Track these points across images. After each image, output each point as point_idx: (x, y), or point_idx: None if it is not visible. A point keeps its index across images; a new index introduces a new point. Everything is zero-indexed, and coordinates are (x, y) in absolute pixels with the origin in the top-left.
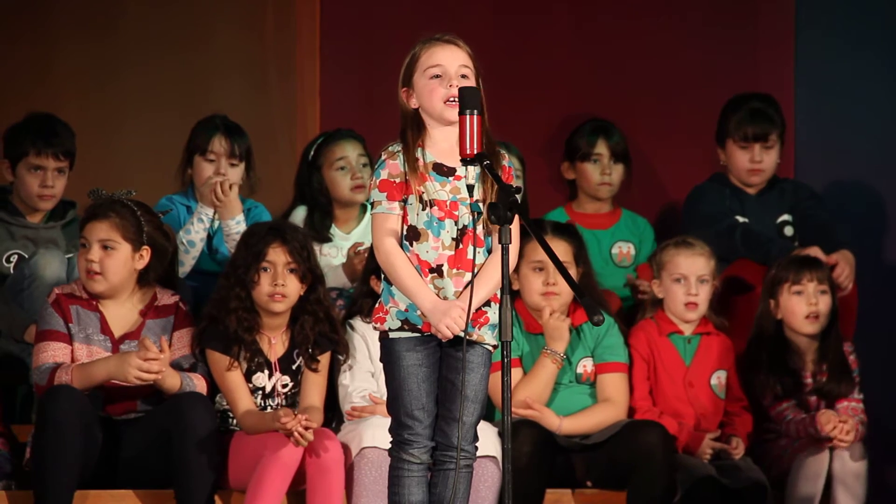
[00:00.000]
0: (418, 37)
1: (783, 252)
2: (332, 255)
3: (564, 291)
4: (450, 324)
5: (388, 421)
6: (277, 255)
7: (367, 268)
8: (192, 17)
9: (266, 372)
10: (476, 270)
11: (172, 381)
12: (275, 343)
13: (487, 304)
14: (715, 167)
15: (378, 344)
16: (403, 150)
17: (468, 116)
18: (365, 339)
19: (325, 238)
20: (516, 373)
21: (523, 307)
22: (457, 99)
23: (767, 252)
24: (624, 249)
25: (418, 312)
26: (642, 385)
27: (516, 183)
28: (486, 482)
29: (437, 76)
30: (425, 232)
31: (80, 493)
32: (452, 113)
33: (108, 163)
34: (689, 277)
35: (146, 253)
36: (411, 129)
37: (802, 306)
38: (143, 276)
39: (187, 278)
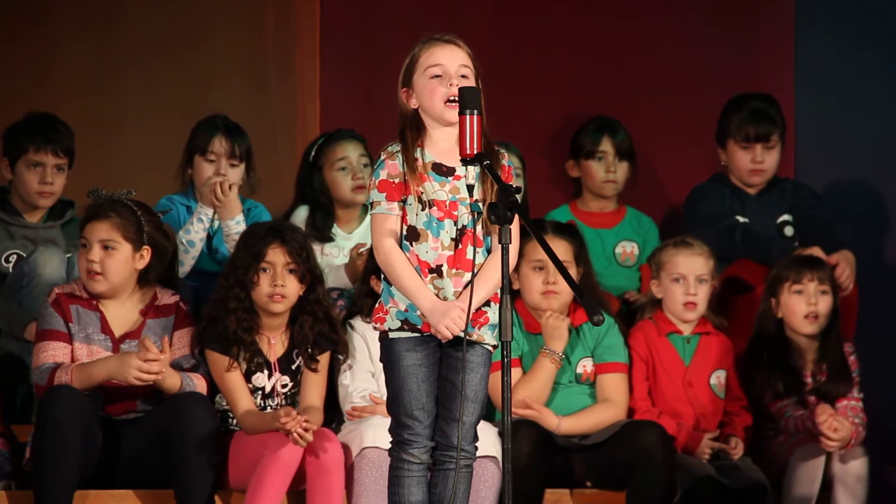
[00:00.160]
0: (418, 37)
1: (784, 252)
2: (334, 255)
3: (564, 291)
4: (449, 324)
5: (388, 421)
6: (277, 256)
7: (368, 268)
8: (192, 17)
9: (265, 372)
10: (476, 270)
11: (173, 381)
12: (274, 343)
13: (487, 303)
14: (715, 167)
15: (378, 344)
16: (402, 151)
17: (468, 116)
18: (365, 338)
19: (327, 238)
20: (516, 373)
21: (523, 307)
22: (457, 99)
23: (768, 252)
24: (628, 249)
25: (418, 312)
26: (641, 385)
27: (516, 182)
28: (486, 482)
29: (438, 76)
30: (424, 232)
31: (80, 493)
32: (452, 114)
33: (108, 163)
34: (688, 277)
35: (146, 253)
36: (410, 130)
37: (802, 306)
38: (143, 275)
39: (187, 278)
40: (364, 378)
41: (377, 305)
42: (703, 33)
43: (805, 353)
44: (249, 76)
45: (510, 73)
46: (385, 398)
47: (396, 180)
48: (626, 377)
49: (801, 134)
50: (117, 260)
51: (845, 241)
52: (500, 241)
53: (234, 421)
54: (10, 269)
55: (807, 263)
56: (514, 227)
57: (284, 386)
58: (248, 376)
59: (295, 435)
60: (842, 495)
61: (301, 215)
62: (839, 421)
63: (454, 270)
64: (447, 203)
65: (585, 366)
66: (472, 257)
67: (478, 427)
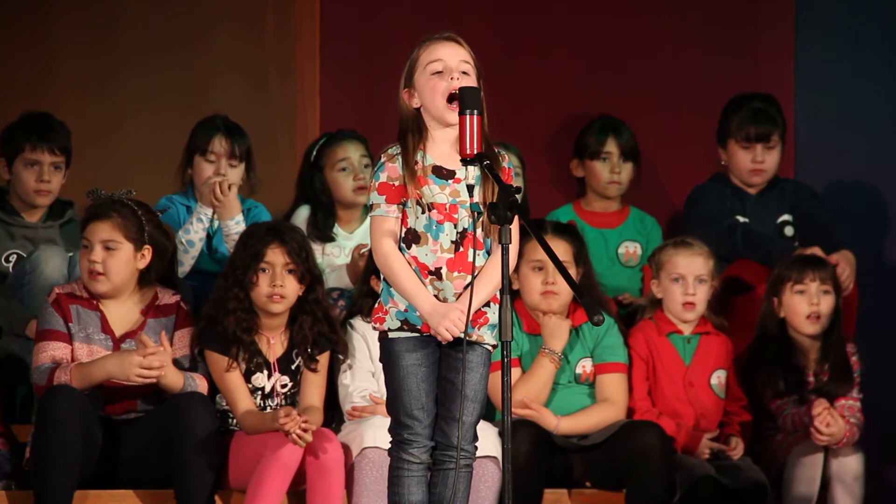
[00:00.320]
0: (418, 37)
1: (784, 252)
2: (335, 255)
3: (564, 291)
4: (449, 326)
5: (388, 421)
6: (276, 256)
7: (368, 268)
8: (192, 17)
9: (265, 372)
10: (476, 273)
11: (175, 379)
12: (273, 343)
13: (487, 304)
14: (715, 167)
15: (378, 343)
16: (402, 154)
17: (468, 116)
18: (365, 338)
19: (329, 238)
20: (515, 373)
21: (522, 307)
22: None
23: (768, 252)
24: (631, 249)
25: (418, 313)
26: (641, 385)
27: (515, 182)
28: (486, 482)
29: (439, 72)
30: (425, 235)
31: (80, 493)
32: (453, 115)
33: (107, 163)
34: (687, 277)
35: (148, 252)
36: (412, 132)
37: (804, 306)
38: (144, 275)
39: (187, 278)
40: (364, 378)
41: (377, 305)
42: (703, 33)
43: (808, 352)
44: (249, 76)
45: (510, 73)
46: (385, 398)
47: (396, 183)
48: (625, 377)
49: (801, 134)
50: (119, 260)
51: (845, 241)
52: (500, 242)
53: (234, 421)
54: (10, 269)
55: (809, 263)
56: (514, 228)
57: (284, 386)
58: (247, 376)
59: (294, 435)
60: (839, 494)
61: (302, 215)
62: (833, 417)
63: (455, 273)
64: (447, 206)
65: (585, 366)
66: (472, 260)
67: (477, 427)
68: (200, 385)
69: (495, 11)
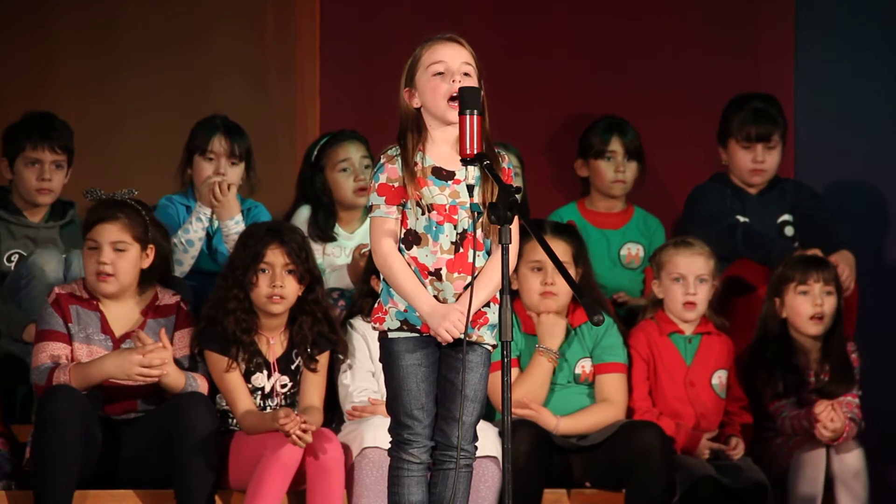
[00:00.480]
0: (418, 37)
1: (784, 253)
2: (336, 255)
3: (563, 292)
4: (449, 327)
5: (388, 421)
6: (276, 257)
7: (368, 268)
8: (192, 17)
9: (265, 372)
10: (476, 273)
11: (177, 378)
12: (273, 343)
13: (487, 304)
14: (715, 167)
15: (378, 343)
16: (402, 156)
17: (468, 116)
18: (365, 338)
19: (330, 237)
20: (514, 373)
21: (520, 307)
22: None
23: (768, 252)
24: (633, 251)
25: (417, 313)
26: (642, 385)
27: (515, 182)
28: (486, 482)
29: (440, 73)
30: (425, 236)
31: (80, 493)
32: (454, 114)
33: (108, 163)
34: (688, 277)
35: (151, 252)
36: (411, 132)
37: (808, 306)
38: (146, 275)
39: (187, 278)
40: (364, 378)
41: (376, 305)
42: (703, 33)
43: (809, 352)
44: (249, 76)
45: (510, 73)
46: (385, 398)
47: (396, 184)
48: (624, 377)
49: (801, 134)
50: (128, 261)
51: (845, 240)
52: (499, 242)
53: (234, 421)
54: (13, 269)
55: (812, 264)
56: (514, 228)
57: (284, 386)
58: (247, 377)
59: (294, 436)
60: (843, 495)
61: (303, 215)
62: (836, 412)
63: (455, 274)
64: (447, 207)
65: (584, 366)
66: (472, 261)
67: (477, 427)
68: (201, 385)
69: (495, 11)
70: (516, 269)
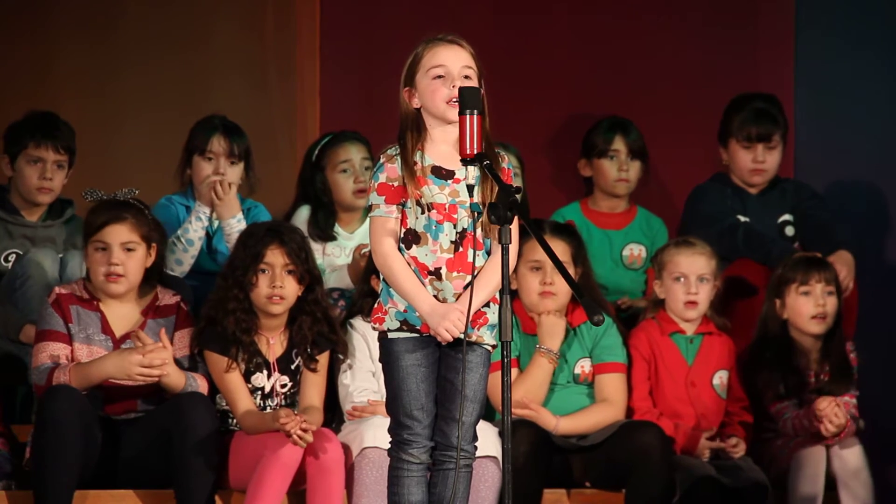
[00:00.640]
0: (418, 37)
1: (784, 253)
2: (336, 255)
3: (562, 291)
4: (449, 327)
5: (388, 421)
6: (275, 257)
7: (368, 268)
8: (192, 17)
9: (265, 372)
10: (475, 273)
11: (178, 378)
12: (273, 343)
13: (486, 304)
14: (715, 167)
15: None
16: (401, 155)
17: (468, 116)
18: (365, 338)
19: (330, 237)
20: (514, 373)
21: (519, 307)
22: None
23: (768, 252)
24: (635, 252)
25: (417, 313)
26: (643, 385)
27: (515, 182)
28: (486, 482)
29: (440, 76)
30: (424, 235)
31: (80, 493)
32: (454, 113)
33: (108, 163)
34: (689, 276)
35: (153, 251)
36: (411, 131)
37: (810, 307)
38: (147, 274)
39: (186, 278)
40: (364, 378)
41: (376, 306)
42: (703, 33)
43: (809, 353)
44: (249, 76)
45: (511, 73)
46: (385, 398)
47: (395, 184)
48: (624, 377)
49: (801, 134)
50: (137, 261)
51: (845, 240)
52: (499, 242)
53: (234, 421)
54: (9, 269)
55: (813, 265)
56: (514, 228)
57: (284, 386)
58: (247, 377)
59: (294, 436)
60: (845, 495)
61: (303, 215)
62: (840, 408)
63: (454, 274)
64: (446, 206)
65: (583, 366)
66: (472, 260)
67: (477, 427)
68: (201, 385)
69: (495, 11)
70: (515, 269)
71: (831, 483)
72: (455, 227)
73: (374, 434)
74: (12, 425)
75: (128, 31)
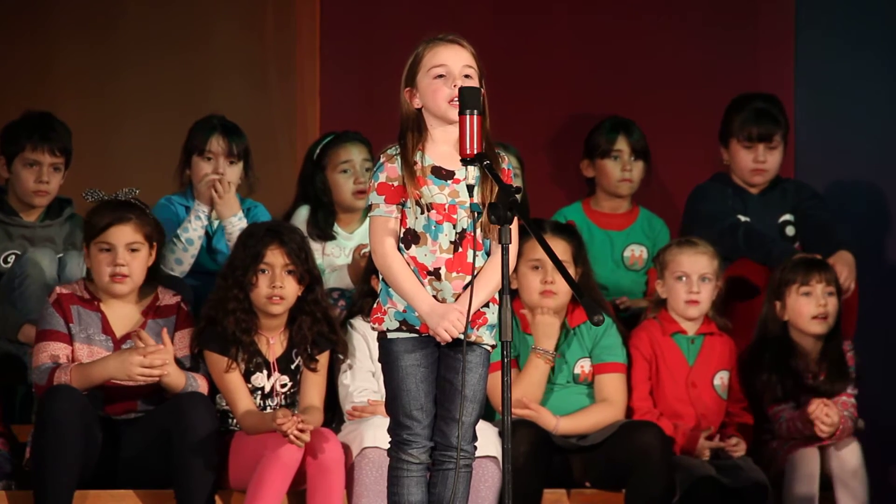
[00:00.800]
0: (418, 37)
1: (784, 253)
2: (336, 255)
3: (562, 291)
4: (448, 327)
5: (388, 421)
6: (275, 257)
7: (368, 268)
8: (192, 17)
9: (265, 372)
10: (475, 273)
11: (178, 378)
12: (273, 343)
13: (486, 304)
14: (716, 167)
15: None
16: (401, 155)
17: (468, 116)
18: (365, 338)
19: (329, 237)
20: (513, 373)
21: (519, 307)
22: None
23: (769, 252)
24: (636, 253)
25: (416, 313)
26: (643, 385)
27: (515, 182)
28: (486, 482)
29: (441, 76)
30: (424, 235)
31: (80, 493)
32: (455, 113)
33: (107, 163)
34: (691, 276)
35: (154, 251)
36: (412, 131)
37: (811, 307)
38: (148, 274)
39: (186, 278)
40: (364, 378)
41: (375, 306)
42: (703, 33)
43: (808, 354)
44: (249, 76)
45: (511, 73)
46: (384, 398)
47: (395, 183)
48: (624, 377)
49: (801, 134)
50: (141, 261)
51: (845, 240)
52: (499, 242)
53: (234, 421)
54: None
55: (814, 266)
56: (514, 228)
57: (284, 386)
58: (247, 377)
59: (292, 436)
60: (842, 495)
61: (302, 215)
62: (830, 406)
63: (454, 274)
64: (446, 206)
65: (583, 366)
66: (471, 261)
67: (477, 427)
68: (201, 385)
69: (495, 11)
70: (516, 269)
71: (827, 484)
72: (455, 227)
73: (374, 434)
74: (12, 425)
75: (128, 31)
